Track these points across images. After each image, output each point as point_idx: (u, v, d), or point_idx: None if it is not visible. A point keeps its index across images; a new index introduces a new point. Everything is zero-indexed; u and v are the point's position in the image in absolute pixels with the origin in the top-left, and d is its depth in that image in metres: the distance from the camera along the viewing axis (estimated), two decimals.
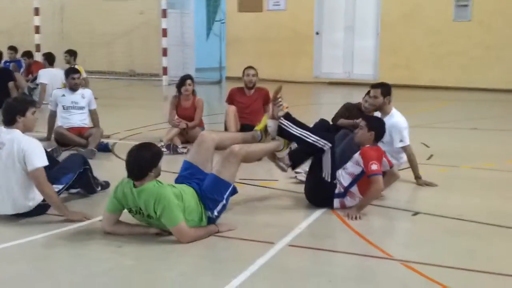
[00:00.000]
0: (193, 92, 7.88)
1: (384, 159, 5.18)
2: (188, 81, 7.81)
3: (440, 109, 12.27)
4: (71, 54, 11.72)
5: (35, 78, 11.12)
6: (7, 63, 12.59)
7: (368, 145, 5.16)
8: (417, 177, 6.02)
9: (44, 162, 4.69)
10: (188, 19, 17.15)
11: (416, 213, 5.08)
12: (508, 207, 5.33)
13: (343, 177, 5.13)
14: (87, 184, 5.38)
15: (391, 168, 5.28)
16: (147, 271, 3.87)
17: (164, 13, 15.64)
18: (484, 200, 5.53)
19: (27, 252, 4.26)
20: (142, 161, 4.22)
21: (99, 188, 5.53)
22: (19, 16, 17.71)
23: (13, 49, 13.34)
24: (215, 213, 4.54)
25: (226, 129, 8.00)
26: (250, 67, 8.00)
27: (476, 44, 15.12)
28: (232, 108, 7.69)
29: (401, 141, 5.96)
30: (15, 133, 4.72)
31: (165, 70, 15.59)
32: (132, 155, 4.26)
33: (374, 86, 6.25)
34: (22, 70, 12.63)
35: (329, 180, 5.09)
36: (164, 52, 15.67)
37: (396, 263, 4.00)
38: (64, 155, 6.61)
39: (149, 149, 4.33)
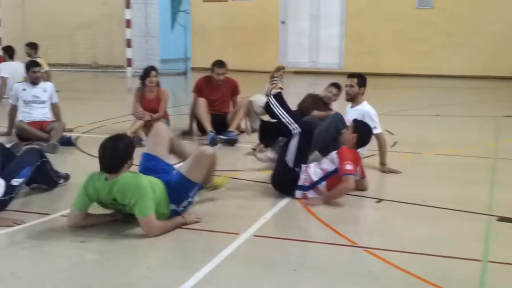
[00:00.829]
0: (158, 84, 7.81)
1: (359, 168, 5.22)
2: (153, 73, 7.73)
3: (404, 97, 12.41)
4: (32, 46, 11.48)
5: None
6: None
7: (348, 147, 5.20)
8: (383, 163, 6.09)
9: None
10: (152, 10, 16.97)
11: (380, 200, 5.14)
12: (470, 192, 5.43)
13: (315, 172, 5.13)
14: (47, 177, 5.28)
15: (362, 178, 5.33)
16: (112, 265, 3.84)
17: (127, 4, 15.46)
18: (447, 186, 5.62)
19: None
20: (118, 153, 4.18)
21: (61, 181, 5.46)
22: None
23: None
24: (181, 208, 4.53)
25: (193, 120, 7.96)
26: (220, 65, 7.90)
27: (439, 31, 15.32)
28: (202, 101, 7.66)
29: (374, 127, 6.04)
30: None
31: (129, 62, 15.43)
32: (106, 148, 4.18)
33: (351, 75, 6.39)
34: None
35: (291, 165, 5.11)
36: (128, 43, 15.50)
37: (360, 251, 4.04)
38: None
39: (123, 141, 4.27)
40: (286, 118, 5.23)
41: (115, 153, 4.17)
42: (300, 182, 5.12)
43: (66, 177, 5.54)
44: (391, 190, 5.49)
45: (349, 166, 4.95)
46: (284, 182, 5.20)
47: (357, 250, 4.05)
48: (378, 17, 15.79)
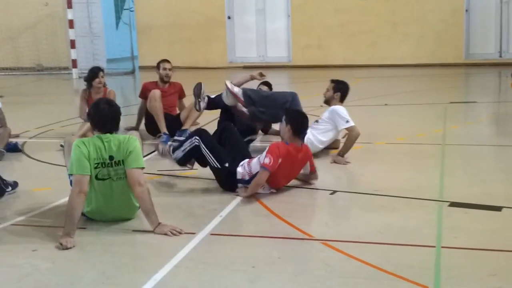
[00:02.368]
0: (104, 84, 7.66)
1: (308, 163, 5.25)
2: (101, 73, 7.59)
3: (353, 88, 12.49)
4: None
5: None
6: None
7: (285, 140, 5.16)
8: (340, 155, 6.16)
9: None
10: (95, 9, 16.69)
11: (333, 192, 5.17)
12: (421, 179, 5.53)
13: (254, 165, 5.13)
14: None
15: (311, 173, 5.34)
16: (65, 273, 3.74)
17: (69, 4, 15.14)
18: (398, 174, 5.71)
19: None
20: (118, 114, 4.49)
21: (9, 189, 5.31)
22: None
23: None
24: None
25: (141, 119, 7.82)
26: (166, 61, 7.85)
27: (383, 21, 15.55)
28: (158, 93, 7.46)
29: (347, 121, 6.23)
30: None
31: (74, 63, 15.13)
32: (106, 109, 4.42)
33: (333, 80, 6.68)
34: None
35: (218, 166, 5.20)
36: (72, 44, 15.19)
37: (316, 243, 4.06)
38: None
39: (115, 104, 4.59)
40: (183, 146, 5.42)
41: (116, 113, 4.47)
42: (239, 176, 5.14)
43: (14, 185, 5.39)
44: (343, 181, 5.54)
45: (267, 160, 4.94)
46: (223, 182, 5.26)
47: (313, 243, 4.07)
48: (324, 9, 15.92)
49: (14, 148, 6.98)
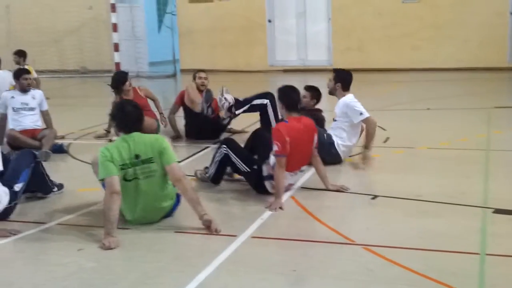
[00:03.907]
0: (117, 91, 7.83)
1: (315, 137, 5.22)
2: (128, 76, 7.88)
3: (394, 91, 12.45)
4: (21, 54, 11.39)
5: None
6: None
7: (284, 121, 5.16)
8: (366, 147, 6.12)
9: None
10: (138, 13, 16.95)
11: (375, 197, 5.13)
12: (464, 185, 5.44)
13: (272, 158, 5.13)
14: (41, 180, 5.26)
15: (314, 148, 5.26)
16: (109, 272, 3.82)
17: (113, 8, 15.41)
18: (441, 180, 5.63)
19: None
20: (141, 114, 4.64)
21: (55, 189, 5.44)
22: None
23: None
24: None
25: (188, 106, 7.78)
26: (201, 70, 7.96)
27: (426, 25, 15.36)
28: (192, 84, 7.63)
29: (361, 114, 6.10)
30: None
31: (117, 66, 15.37)
32: (130, 110, 4.56)
33: (334, 70, 6.59)
34: None
35: (248, 170, 5.24)
36: (116, 47, 15.44)
37: (358, 248, 4.04)
38: None
39: (135, 104, 4.73)
40: (215, 158, 5.48)
41: (140, 114, 4.60)
42: (265, 173, 5.16)
43: (60, 187, 5.53)
44: (385, 186, 5.49)
45: (275, 147, 4.95)
46: (254, 184, 5.29)
47: (355, 248, 4.05)
48: (365, 12, 15.82)
49: (59, 149, 7.14)
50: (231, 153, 5.31)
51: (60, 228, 4.64)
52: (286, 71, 16.25)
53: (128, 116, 4.55)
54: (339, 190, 5.27)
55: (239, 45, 16.76)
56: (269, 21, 16.70)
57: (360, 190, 5.32)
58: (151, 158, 4.47)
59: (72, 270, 3.84)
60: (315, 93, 6.84)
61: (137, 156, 4.45)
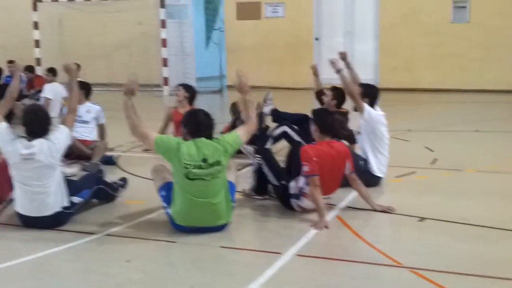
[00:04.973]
0: (189, 101, 7.91)
1: (347, 163, 5.16)
2: (178, 87, 7.95)
3: (442, 112, 12.28)
4: (51, 71, 11.66)
5: (37, 92, 11.12)
6: (8, 78, 12.59)
7: (317, 140, 5.18)
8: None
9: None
10: (187, 29, 17.19)
11: (422, 219, 5.07)
12: None
13: (300, 178, 5.14)
14: (105, 195, 5.58)
15: (350, 173, 5.21)
16: (155, 285, 3.87)
17: (162, 24, 15.70)
18: (490, 204, 5.53)
19: (35, 268, 4.26)
20: (212, 122, 4.86)
21: (119, 191, 5.71)
22: (17, 31, 17.77)
23: (12, 63, 13.35)
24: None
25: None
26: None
27: (475, 46, 15.16)
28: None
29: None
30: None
31: (166, 81, 15.62)
32: (202, 118, 4.80)
33: (361, 84, 6.48)
34: (23, 84, 12.65)
35: (277, 183, 5.30)
36: (164, 63, 15.71)
37: (404, 270, 3.99)
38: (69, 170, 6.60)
39: (208, 113, 4.92)
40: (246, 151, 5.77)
41: (209, 120, 4.82)
42: (292, 191, 5.17)
43: (124, 184, 5.84)
44: (432, 208, 5.41)
45: (305, 167, 4.95)
46: (281, 199, 5.32)
47: (401, 270, 4.01)
48: (413, 31, 15.71)
49: (109, 161, 7.29)
50: (264, 163, 5.39)
51: (109, 238, 4.73)
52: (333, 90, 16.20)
53: (200, 123, 4.77)
54: (385, 210, 5.23)
55: (286, 62, 16.84)
56: (316, 39, 16.74)
57: (407, 212, 5.25)
58: (219, 161, 4.64)
59: (120, 281, 3.91)
60: (336, 93, 6.81)
61: (204, 160, 4.61)
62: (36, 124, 4.99)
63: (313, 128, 5.26)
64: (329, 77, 17.36)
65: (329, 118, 5.29)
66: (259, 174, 5.48)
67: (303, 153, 5.02)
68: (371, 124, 6.02)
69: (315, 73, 7.83)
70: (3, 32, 18.12)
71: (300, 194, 5.11)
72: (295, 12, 16.72)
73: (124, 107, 4.86)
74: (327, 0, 16.67)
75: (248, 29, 17.03)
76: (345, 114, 6.81)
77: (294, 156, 5.42)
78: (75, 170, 6.75)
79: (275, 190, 5.38)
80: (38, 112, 5.14)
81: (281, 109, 7.73)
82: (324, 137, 5.18)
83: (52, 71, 11.22)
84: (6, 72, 12.78)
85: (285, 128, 7.08)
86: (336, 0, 16.57)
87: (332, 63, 6.10)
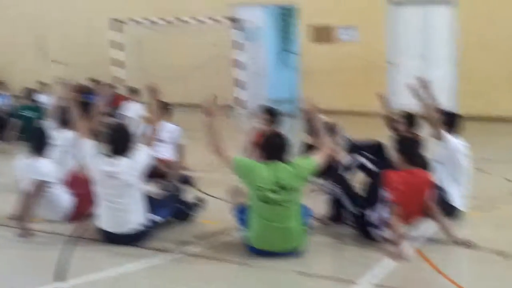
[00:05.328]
0: (270, 123, 7.96)
1: (428, 192, 5.05)
2: (260, 109, 8.08)
3: None
4: (150, 88, 12.06)
5: (117, 111, 11.46)
6: (89, 96, 13.06)
7: (401, 167, 5.10)
8: None
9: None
10: (261, 50, 17.39)
11: (505, 256, 4.84)
12: None
13: (381, 207, 5.06)
14: (183, 216, 5.72)
15: (430, 203, 5.08)
16: None
17: (237, 45, 15.95)
18: None
19: (115, 283, 4.37)
20: (287, 144, 4.92)
21: (195, 212, 5.84)
22: (98, 50, 18.46)
23: (96, 81, 13.87)
24: None
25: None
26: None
27: None
28: None
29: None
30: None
31: (239, 102, 15.82)
32: (278, 140, 4.90)
33: (439, 110, 6.43)
34: (99, 101, 13.08)
35: (357, 213, 5.22)
36: (238, 84, 15.93)
37: None
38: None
39: (285, 136, 5.03)
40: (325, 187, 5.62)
41: (284, 143, 4.89)
42: (371, 219, 5.11)
43: (200, 204, 5.97)
44: None
45: (386, 195, 4.88)
46: (360, 230, 5.24)
47: None
48: (492, 57, 15.31)
49: (186, 181, 7.40)
50: (341, 191, 5.37)
51: (185, 258, 4.82)
52: (405, 116, 15.96)
53: (275, 146, 4.83)
54: (465, 244, 5.08)
55: (359, 86, 16.72)
56: (390, 63, 16.58)
57: (489, 247, 5.03)
58: (294, 186, 4.67)
59: None
60: (408, 118, 6.85)
61: (279, 184, 4.65)
62: (119, 142, 5.16)
63: (395, 156, 5.22)
64: (404, 102, 17.11)
65: (414, 147, 5.26)
66: (336, 201, 5.46)
67: (386, 180, 4.98)
68: (450, 153, 5.89)
69: (383, 101, 7.76)
70: (85, 52, 18.87)
71: (379, 223, 5.06)
72: (369, 36, 16.63)
73: (205, 128, 4.95)
74: (402, 24, 16.50)
75: (322, 52, 17.05)
76: (418, 141, 6.71)
77: (373, 184, 5.38)
78: (153, 188, 6.91)
79: (353, 218, 5.34)
80: (122, 131, 5.32)
81: (354, 133, 7.69)
82: (406, 165, 5.12)
83: (133, 91, 11.60)
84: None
85: (360, 158, 6.93)
86: (411, 24, 16.38)
87: (411, 88, 6.04)
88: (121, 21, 17.00)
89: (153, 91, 5.57)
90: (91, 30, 18.63)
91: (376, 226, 5.08)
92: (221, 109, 5.15)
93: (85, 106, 6.25)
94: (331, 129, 7.43)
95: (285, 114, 16.08)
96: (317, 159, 4.94)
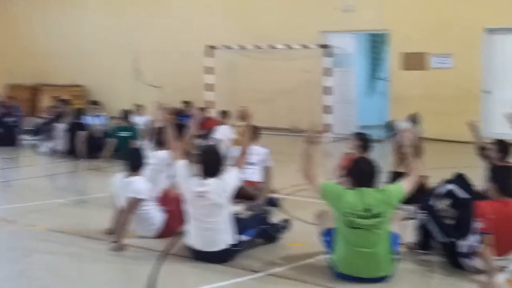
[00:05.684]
0: (362, 149, 7.97)
1: None
2: (353, 137, 8.13)
3: None
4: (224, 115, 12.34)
5: (208, 133, 11.77)
6: (182, 118, 13.47)
7: (493, 197, 4.97)
8: None
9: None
10: (351, 77, 17.37)
11: None
12: None
13: (472, 236, 4.91)
14: (268, 238, 5.78)
15: None
16: None
17: (327, 71, 16.01)
18: None
19: None
20: (376, 170, 4.93)
21: (281, 234, 5.89)
22: (193, 75, 19.06)
23: (188, 103, 14.33)
24: None
25: None
26: None
27: None
28: None
29: None
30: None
31: (327, 127, 15.83)
32: (367, 165, 4.92)
33: None
34: (192, 123, 13.46)
35: (445, 241, 5.11)
36: (327, 110, 15.96)
37: None
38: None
39: (375, 162, 5.06)
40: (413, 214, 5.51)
41: (373, 169, 4.90)
42: (461, 249, 4.97)
43: (286, 225, 6.02)
44: None
45: (479, 224, 4.73)
46: (449, 258, 5.13)
47: None
48: None
49: (273, 203, 7.52)
50: (429, 219, 5.28)
51: (271, 278, 4.88)
52: (498, 144, 15.40)
53: (364, 172, 4.85)
54: None
55: (451, 114, 16.31)
56: (486, 91, 16.09)
57: None
58: (382, 212, 4.66)
59: None
60: (500, 146, 6.64)
61: (367, 210, 4.65)
62: (210, 164, 5.32)
63: (489, 185, 5.10)
64: (498, 131, 16.59)
65: (507, 176, 5.12)
66: (424, 230, 5.37)
67: (478, 209, 4.87)
68: None
69: (473, 129, 7.56)
70: (180, 76, 19.54)
71: (470, 253, 4.93)
72: (464, 64, 16.23)
73: (303, 154, 4.98)
74: (499, 52, 16.02)
75: (414, 79, 16.80)
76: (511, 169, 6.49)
77: (464, 213, 5.26)
78: (240, 209, 7.05)
79: (442, 247, 5.23)
80: (213, 152, 5.48)
81: (445, 161, 7.54)
82: (499, 194, 4.99)
83: (224, 114, 11.89)
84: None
85: (451, 185, 6.80)
86: (507, 52, 15.87)
87: (508, 117, 5.89)
88: (214, 47, 17.50)
89: (245, 115, 5.69)
90: (186, 56, 19.30)
91: (466, 256, 4.95)
92: (321, 137, 5.14)
93: (179, 128, 6.59)
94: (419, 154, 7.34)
95: (374, 140, 15.98)
96: (405, 186, 4.90)
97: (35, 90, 21.92)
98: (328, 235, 4.99)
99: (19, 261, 5.20)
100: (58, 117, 12.75)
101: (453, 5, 16.13)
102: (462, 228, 5.15)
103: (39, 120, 14.38)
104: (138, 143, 11.09)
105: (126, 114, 11.47)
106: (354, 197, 4.72)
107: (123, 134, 11.08)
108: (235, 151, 7.88)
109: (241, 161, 5.56)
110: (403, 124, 7.41)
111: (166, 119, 5.97)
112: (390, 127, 7.62)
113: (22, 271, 4.95)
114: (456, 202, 6.66)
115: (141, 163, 6.05)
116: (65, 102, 14.31)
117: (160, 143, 7.09)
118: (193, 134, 6.01)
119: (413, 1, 16.63)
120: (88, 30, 21.74)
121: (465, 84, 16.16)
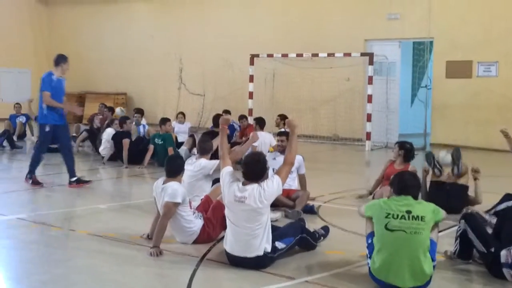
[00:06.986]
0: (405, 159, 8.20)
1: None
2: (397, 146, 8.34)
3: None
4: (282, 117, 12.44)
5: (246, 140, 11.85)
6: (228, 127, 13.57)
7: None
8: None
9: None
10: (393, 85, 17.23)
11: None
12: None
13: None
14: (308, 245, 5.79)
15: None
16: None
17: (369, 80, 15.92)
18: None
19: None
20: (419, 183, 5.09)
21: (319, 242, 5.91)
22: (235, 83, 19.23)
23: (227, 112, 14.43)
24: None
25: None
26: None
27: None
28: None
29: None
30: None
31: (368, 135, 15.72)
32: (408, 177, 4.98)
33: None
34: (236, 132, 13.60)
35: (485, 251, 5.03)
36: (368, 118, 15.85)
37: None
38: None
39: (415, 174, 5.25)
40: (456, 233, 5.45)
41: (417, 179, 5.04)
42: (503, 259, 4.88)
43: (325, 233, 6.08)
44: None
45: None
46: (490, 268, 5.05)
47: None
48: None
49: (310, 210, 7.51)
50: (469, 229, 5.22)
51: (307, 285, 4.87)
52: None
53: (406, 184, 4.87)
54: None
55: (495, 123, 15.98)
56: None
57: None
58: (423, 216, 4.66)
59: None
60: None
61: (409, 211, 4.65)
62: (252, 170, 5.35)
63: None
64: None
65: None
66: (464, 239, 5.29)
67: None
68: None
69: (507, 136, 7.41)
70: (223, 85, 19.74)
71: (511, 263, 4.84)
72: (510, 72, 15.93)
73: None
74: None
75: (457, 88, 16.55)
76: None
77: (506, 223, 5.17)
78: (278, 215, 7.07)
79: (483, 257, 5.16)
80: (257, 159, 5.48)
81: (489, 171, 7.40)
82: None
83: (259, 121, 11.94)
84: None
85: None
86: None
87: None
88: (257, 56, 17.61)
89: (295, 126, 5.67)
90: (229, 64, 19.48)
91: (508, 266, 4.86)
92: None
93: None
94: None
95: (416, 148, 15.78)
96: (443, 215, 4.89)
97: (80, 98, 22.45)
98: (372, 238, 4.95)
99: (60, 265, 5.32)
100: (104, 125, 13.08)
101: (497, 13, 15.89)
102: (503, 237, 5.06)
103: (85, 127, 14.73)
104: (177, 150, 11.25)
105: (164, 122, 11.64)
106: (395, 203, 4.75)
107: (163, 141, 11.25)
108: (275, 157, 7.92)
109: (286, 171, 5.51)
110: (443, 157, 7.44)
111: (222, 129, 6.03)
112: (428, 159, 7.57)
113: (63, 275, 5.07)
114: (497, 210, 6.56)
115: (178, 169, 6.12)
116: (110, 109, 14.65)
117: (203, 151, 7.18)
118: (235, 142, 6.05)
119: (458, 8, 16.42)
120: (134, 39, 22.16)
121: (509, 92, 15.85)
